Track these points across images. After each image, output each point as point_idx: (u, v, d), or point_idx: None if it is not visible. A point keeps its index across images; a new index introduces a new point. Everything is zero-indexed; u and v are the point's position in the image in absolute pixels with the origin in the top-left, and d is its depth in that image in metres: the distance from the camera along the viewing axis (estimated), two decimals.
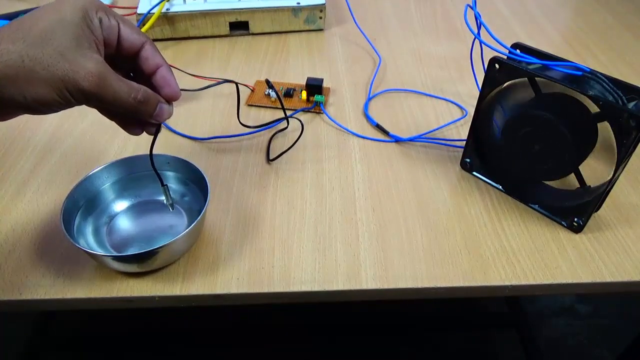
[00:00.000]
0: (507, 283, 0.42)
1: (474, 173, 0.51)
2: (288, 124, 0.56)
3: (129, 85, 0.34)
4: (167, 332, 1.08)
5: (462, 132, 0.57)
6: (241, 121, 0.54)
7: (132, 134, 0.39)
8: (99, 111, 0.38)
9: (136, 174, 0.46)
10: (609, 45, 0.73)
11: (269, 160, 0.52)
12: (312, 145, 0.55)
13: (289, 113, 0.59)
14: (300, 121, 0.56)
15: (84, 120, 0.57)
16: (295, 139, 0.54)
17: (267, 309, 1.09)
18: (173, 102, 0.38)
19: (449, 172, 0.52)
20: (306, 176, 0.51)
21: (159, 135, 0.39)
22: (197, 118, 0.58)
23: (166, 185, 0.43)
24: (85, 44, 0.32)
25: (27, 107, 0.32)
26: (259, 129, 0.56)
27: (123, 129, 0.38)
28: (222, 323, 1.09)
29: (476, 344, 1.08)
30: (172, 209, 0.45)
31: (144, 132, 0.39)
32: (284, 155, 0.53)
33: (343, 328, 1.08)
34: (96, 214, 0.44)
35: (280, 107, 0.58)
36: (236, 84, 0.51)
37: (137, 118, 0.36)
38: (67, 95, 0.31)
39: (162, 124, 0.40)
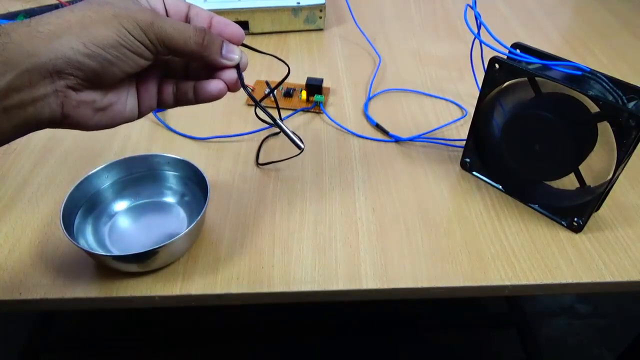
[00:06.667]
0: (507, 283, 0.41)
1: (474, 173, 0.51)
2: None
3: (185, 24, 0.34)
4: (166, 331, 1.08)
5: (462, 132, 0.57)
6: (259, 115, 0.52)
7: (215, 94, 0.36)
8: (168, 67, 0.37)
9: (136, 174, 0.46)
10: (609, 45, 0.73)
11: (258, 164, 0.52)
12: (312, 145, 0.55)
13: (289, 113, 0.59)
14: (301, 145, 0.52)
15: None
16: (290, 153, 0.53)
17: (267, 308, 1.09)
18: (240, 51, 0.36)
19: (449, 172, 0.52)
20: (306, 176, 0.51)
21: (159, 134, 0.38)
22: (197, 118, 0.58)
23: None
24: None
25: (89, 56, 0.31)
26: (256, 130, 0.56)
27: (202, 93, 0.37)
28: (222, 323, 1.09)
29: (476, 344, 1.08)
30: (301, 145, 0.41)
31: (218, 93, 0.36)
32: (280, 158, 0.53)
33: (343, 328, 1.08)
34: (96, 214, 0.44)
35: (282, 107, 0.58)
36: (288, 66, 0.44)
37: (207, 60, 0.35)
38: (125, 32, 0.31)
39: (210, 89, 0.36)
